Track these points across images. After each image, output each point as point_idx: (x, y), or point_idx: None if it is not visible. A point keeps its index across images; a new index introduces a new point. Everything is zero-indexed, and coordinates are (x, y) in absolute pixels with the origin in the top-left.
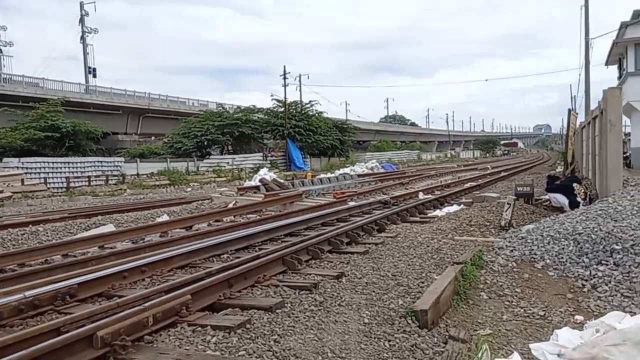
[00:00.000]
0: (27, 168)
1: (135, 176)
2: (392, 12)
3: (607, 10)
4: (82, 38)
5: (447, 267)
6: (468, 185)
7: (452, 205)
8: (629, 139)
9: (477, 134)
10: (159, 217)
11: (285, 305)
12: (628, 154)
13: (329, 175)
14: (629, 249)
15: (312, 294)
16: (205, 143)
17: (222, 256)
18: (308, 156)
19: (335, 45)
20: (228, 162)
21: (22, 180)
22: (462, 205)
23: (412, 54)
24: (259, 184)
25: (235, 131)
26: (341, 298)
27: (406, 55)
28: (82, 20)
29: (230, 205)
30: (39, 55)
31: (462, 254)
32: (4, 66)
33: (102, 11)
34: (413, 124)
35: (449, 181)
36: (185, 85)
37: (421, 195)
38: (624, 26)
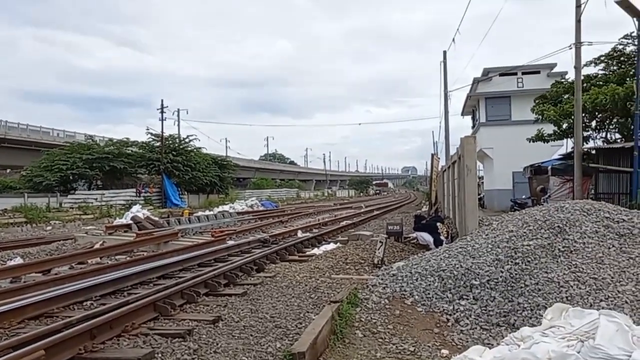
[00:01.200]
0: None
1: None
2: (270, 50)
3: (465, 64)
4: None
5: (324, 306)
6: (344, 223)
7: (329, 243)
8: (482, 182)
9: (351, 173)
10: (11, 259)
11: (156, 356)
12: (482, 195)
13: (207, 212)
14: (485, 284)
15: (185, 342)
16: (71, 177)
17: (84, 303)
18: (186, 193)
19: (215, 80)
20: (96, 198)
21: None
22: (338, 244)
23: (290, 95)
24: (130, 222)
25: (106, 165)
26: (217, 344)
27: (285, 95)
28: None
29: (97, 246)
30: None
31: (338, 293)
32: None
33: None
34: (292, 163)
35: (326, 219)
36: (49, 114)
37: (300, 234)
38: (476, 82)
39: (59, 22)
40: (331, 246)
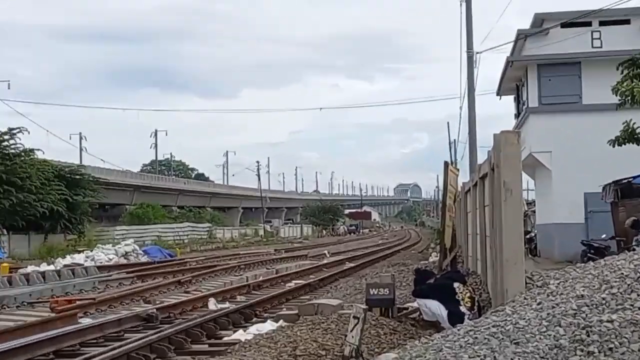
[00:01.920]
0: None
1: None
2: None
3: (501, 9)
4: None
5: None
6: (292, 284)
7: (265, 321)
8: (533, 211)
9: (307, 197)
10: None
11: None
12: (533, 233)
13: (44, 267)
14: None
15: None
16: None
17: None
18: (5, 231)
19: (62, 31)
20: None
21: None
22: (281, 322)
23: (197, 57)
24: None
25: None
26: None
27: (187, 58)
28: None
29: None
30: None
31: None
32: None
33: None
34: (202, 177)
35: (262, 278)
36: None
37: (213, 305)
38: (522, 36)
39: None
40: (269, 326)
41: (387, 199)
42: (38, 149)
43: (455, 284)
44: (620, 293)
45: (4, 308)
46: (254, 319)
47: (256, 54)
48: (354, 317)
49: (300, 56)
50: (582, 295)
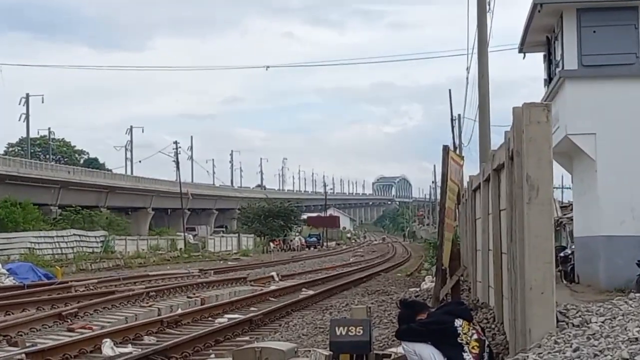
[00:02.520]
0: None
1: None
2: None
3: None
4: None
5: None
6: (225, 320)
7: None
8: (570, 218)
9: (248, 193)
10: None
11: None
12: (569, 251)
13: None
14: None
15: None
16: None
17: None
18: None
19: None
20: None
21: None
22: None
23: None
24: None
25: None
26: None
27: None
28: None
29: None
30: None
31: None
32: None
33: None
34: (94, 163)
35: (180, 311)
36: None
37: (108, 350)
38: None
39: None
40: None
41: (363, 198)
42: None
43: (458, 322)
44: None
45: None
46: None
47: None
48: None
49: None
50: (637, 339)
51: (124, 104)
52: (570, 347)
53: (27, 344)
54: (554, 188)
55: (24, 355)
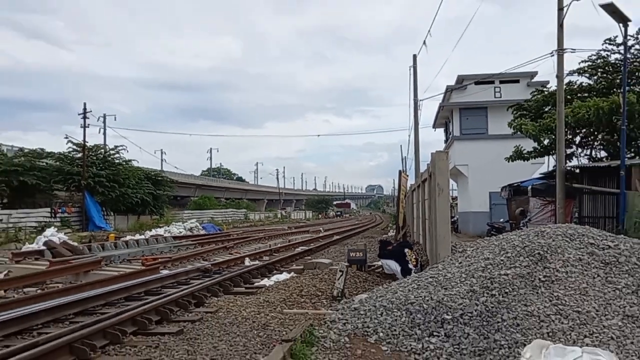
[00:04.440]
0: None
1: None
2: (212, 49)
3: (437, 71)
4: None
5: (274, 346)
6: (299, 249)
7: (281, 272)
8: (457, 204)
9: (309, 192)
10: None
11: None
12: (455, 218)
13: (137, 237)
14: (459, 319)
15: None
16: None
17: None
18: (112, 213)
19: (148, 82)
20: (1, 220)
21: None
22: (292, 273)
23: (237, 101)
24: (43, 247)
25: (14, 180)
26: None
27: (231, 101)
28: None
29: (1, 277)
30: None
31: (291, 330)
32: None
33: None
34: (240, 179)
35: (279, 245)
36: None
37: (247, 262)
38: (449, 90)
39: None
40: (284, 276)
41: (361, 194)
42: (134, 160)
43: (406, 250)
44: (512, 257)
45: (112, 262)
46: (274, 271)
47: (275, 100)
48: (340, 271)
49: (303, 101)
50: (488, 258)
51: (253, 151)
52: (457, 261)
53: (211, 260)
54: (450, 189)
55: (210, 264)
